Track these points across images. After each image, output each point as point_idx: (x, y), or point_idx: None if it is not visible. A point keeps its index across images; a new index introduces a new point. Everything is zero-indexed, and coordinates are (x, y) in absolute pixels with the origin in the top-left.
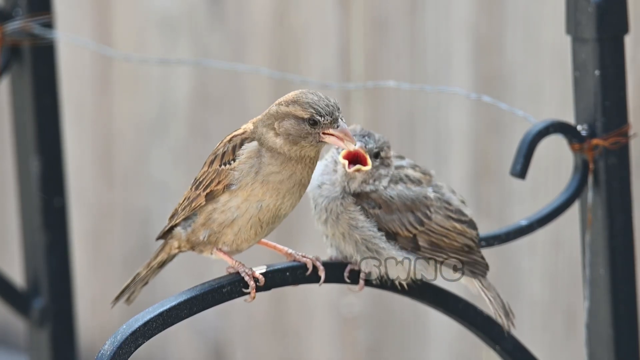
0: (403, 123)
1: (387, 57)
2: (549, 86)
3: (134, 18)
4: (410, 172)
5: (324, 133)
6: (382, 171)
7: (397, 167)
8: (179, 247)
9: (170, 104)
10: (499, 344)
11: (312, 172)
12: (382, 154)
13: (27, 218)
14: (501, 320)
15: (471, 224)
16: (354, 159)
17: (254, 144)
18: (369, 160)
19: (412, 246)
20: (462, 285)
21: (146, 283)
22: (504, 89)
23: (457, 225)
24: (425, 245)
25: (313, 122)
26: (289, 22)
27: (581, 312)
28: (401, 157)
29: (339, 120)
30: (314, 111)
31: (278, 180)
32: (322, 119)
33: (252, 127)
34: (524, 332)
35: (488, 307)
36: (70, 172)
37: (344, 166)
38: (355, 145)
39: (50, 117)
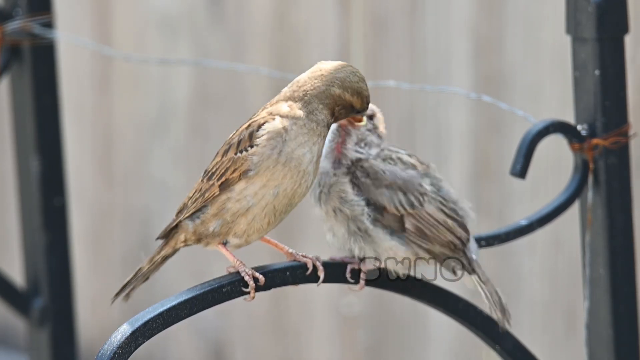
0: (403, 123)
1: (387, 57)
2: (549, 86)
3: (134, 18)
4: (405, 157)
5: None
6: (375, 139)
7: (391, 151)
8: (184, 241)
9: (170, 104)
10: (499, 344)
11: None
12: (375, 120)
13: (27, 218)
14: (496, 316)
15: (462, 226)
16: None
17: (276, 123)
18: (363, 119)
19: (397, 226)
20: (462, 285)
21: (147, 278)
22: (504, 89)
23: (449, 220)
24: (411, 229)
25: (357, 112)
26: (289, 22)
27: (581, 312)
28: (401, 149)
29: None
30: (367, 106)
31: (308, 149)
32: (364, 112)
33: (287, 109)
34: (524, 332)
35: (484, 302)
36: (70, 172)
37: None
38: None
39: (50, 117)
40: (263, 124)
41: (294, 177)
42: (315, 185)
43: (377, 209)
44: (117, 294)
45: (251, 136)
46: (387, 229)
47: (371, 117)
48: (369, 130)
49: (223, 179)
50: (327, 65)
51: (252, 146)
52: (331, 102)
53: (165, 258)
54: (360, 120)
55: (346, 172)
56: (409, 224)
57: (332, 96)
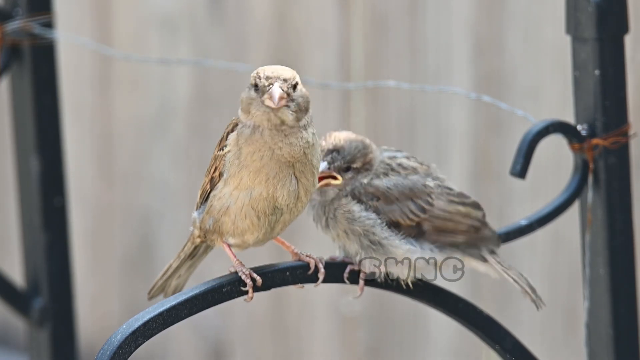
0: (403, 123)
1: (387, 57)
2: (549, 86)
3: (134, 18)
4: (404, 161)
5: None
6: (360, 177)
7: (390, 158)
8: (199, 236)
9: (170, 104)
10: (499, 343)
11: (294, 150)
12: (355, 165)
13: (27, 218)
14: (530, 297)
15: (475, 205)
16: (327, 175)
17: (235, 132)
18: (336, 182)
19: (416, 232)
20: (462, 285)
21: (180, 276)
22: (504, 89)
23: (461, 208)
24: (430, 229)
25: (256, 87)
26: (289, 22)
27: (581, 312)
28: (398, 151)
29: (273, 85)
30: (255, 75)
31: (259, 164)
32: (260, 81)
33: (242, 118)
34: (523, 332)
35: (514, 286)
36: (70, 172)
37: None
38: (274, 104)
39: (50, 117)
40: (236, 125)
41: (263, 183)
42: (320, 214)
43: (393, 224)
44: (151, 292)
45: (227, 136)
46: (402, 235)
47: (347, 169)
48: (350, 178)
49: (210, 176)
50: None
51: (226, 146)
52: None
53: (192, 255)
54: (337, 179)
55: (347, 195)
56: (426, 227)
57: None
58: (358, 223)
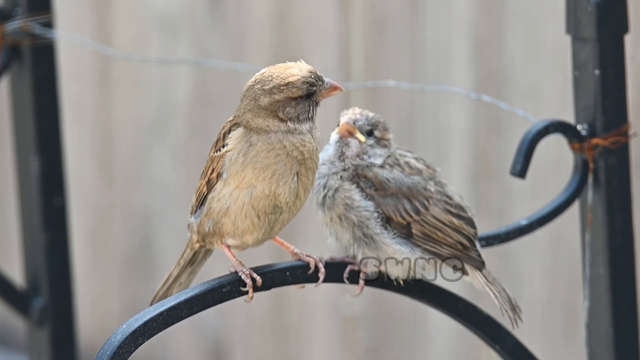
0: (403, 122)
1: (387, 57)
2: (549, 86)
3: (134, 18)
4: (412, 161)
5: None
6: (378, 150)
7: (400, 155)
8: (197, 241)
9: (170, 104)
10: (499, 343)
11: (312, 145)
12: (377, 133)
13: (27, 218)
14: (507, 314)
15: (469, 222)
16: (350, 130)
17: (240, 129)
18: (360, 136)
19: (405, 232)
20: (462, 285)
21: (181, 284)
22: (504, 89)
23: (455, 220)
24: (418, 234)
25: (309, 95)
26: (289, 21)
27: (581, 312)
28: (409, 151)
29: (324, 79)
30: (307, 85)
31: (272, 161)
32: (316, 87)
33: (236, 114)
34: (523, 332)
35: (493, 302)
36: (70, 172)
37: (338, 132)
38: (342, 89)
39: (50, 116)
40: (234, 125)
41: (267, 180)
42: (319, 187)
43: (384, 219)
44: (153, 301)
45: (225, 136)
46: (393, 233)
47: (370, 133)
48: (370, 145)
49: (207, 178)
50: (248, 83)
51: (224, 146)
52: (269, 110)
53: (192, 261)
54: (358, 137)
55: (351, 177)
56: (415, 230)
57: (264, 107)
58: (355, 212)
